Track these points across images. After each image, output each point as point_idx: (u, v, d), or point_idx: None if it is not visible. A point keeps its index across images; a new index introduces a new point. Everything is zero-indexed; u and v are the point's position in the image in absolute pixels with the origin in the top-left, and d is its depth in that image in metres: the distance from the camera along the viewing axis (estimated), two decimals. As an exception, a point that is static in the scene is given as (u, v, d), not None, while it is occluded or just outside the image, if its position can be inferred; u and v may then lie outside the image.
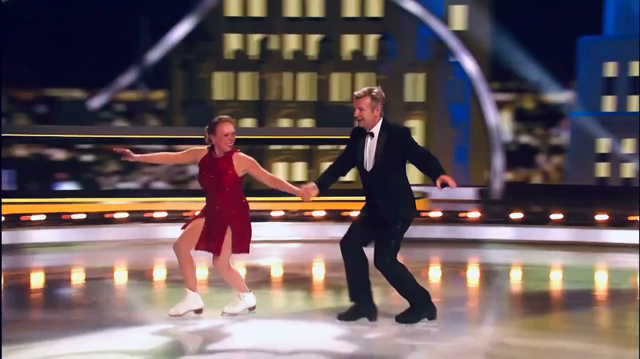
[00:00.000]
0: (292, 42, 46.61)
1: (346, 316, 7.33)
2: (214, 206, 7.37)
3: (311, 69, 45.88)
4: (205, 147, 7.43)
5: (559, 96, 49.77)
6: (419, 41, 46.06)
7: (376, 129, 7.18)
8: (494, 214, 15.94)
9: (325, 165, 37.83)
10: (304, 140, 30.16)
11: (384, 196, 7.14)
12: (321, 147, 41.06)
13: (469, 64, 28.92)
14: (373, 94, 7.18)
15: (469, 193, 26.93)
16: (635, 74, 52.85)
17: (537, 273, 11.58)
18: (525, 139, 53.38)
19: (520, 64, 44.43)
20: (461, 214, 15.56)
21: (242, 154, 7.44)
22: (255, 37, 46.01)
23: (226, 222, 7.36)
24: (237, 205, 7.39)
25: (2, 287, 9.67)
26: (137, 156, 7.48)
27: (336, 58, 46.32)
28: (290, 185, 7.45)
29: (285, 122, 45.41)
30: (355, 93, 7.26)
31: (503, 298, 9.54)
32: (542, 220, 15.22)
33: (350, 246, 7.22)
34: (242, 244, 7.42)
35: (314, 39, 46.47)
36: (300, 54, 46.34)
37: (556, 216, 15.22)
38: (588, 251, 13.79)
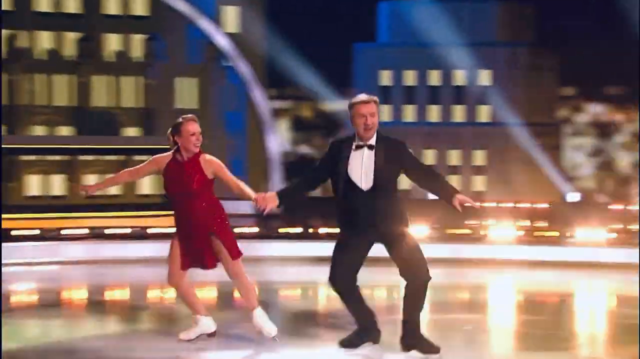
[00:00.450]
0: (45, 40, 43.41)
1: (349, 343, 7.03)
2: (188, 216, 7.14)
3: (69, 71, 43.00)
4: (167, 153, 7.20)
5: (337, 104, 49.66)
6: (190, 43, 44.29)
7: (373, 141, 6.76)
8: (272, 229, 15.96)
9: (89, 177, 35.88)
10: (62, 150, 27.81)
11: (385, 216, 6.73)
12: (82, 157, 38.34)
13: (244, 69, 28.75)
14: (377, 100, 6.80)
15: (246, 207, 25.94)
16: (410, 83, 53.84)
17: (309, 291, 11.67)
18: (304, 149, 53.35)
19: (297, 70, 43.96)
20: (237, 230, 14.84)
21: (208, 155, 7.20)
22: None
23: (206, 231, 7.15)
24: (212, 211, 7.16)
25: (1, 288, 9.99)
26: (96, 185, 7.36)
27: (97, 59, 43.68)
28: (250, 191, 7.10)
29: (39, 130, 42.23)
30: (364, 97, 6.75)
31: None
32: (319, 235, 15.24)
33: (342, 279, 6.87)
34: (236, 249, 7.21)
35: (70, 37, 43.57)
36: (56, 53, 43.29)
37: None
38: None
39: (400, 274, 6.78)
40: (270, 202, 6.84)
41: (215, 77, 44.56)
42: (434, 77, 53.67)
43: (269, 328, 7.20)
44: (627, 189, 46.55)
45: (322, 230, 15.19)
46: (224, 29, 36.25)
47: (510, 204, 19.61)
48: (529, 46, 53.98)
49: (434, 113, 53.23)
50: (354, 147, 6.73)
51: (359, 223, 6.72)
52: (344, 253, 6.83)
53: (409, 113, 53.49)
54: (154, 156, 7.22)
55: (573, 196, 40.80)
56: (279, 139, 28.85)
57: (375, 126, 6.72)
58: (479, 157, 52.39)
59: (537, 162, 48.38)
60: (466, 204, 6.63)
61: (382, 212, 6.68)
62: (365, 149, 6.72)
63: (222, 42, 28.70)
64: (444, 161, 51.73)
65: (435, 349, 6.81)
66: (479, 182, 51.48)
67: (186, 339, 7.24)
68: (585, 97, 53.83)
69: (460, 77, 53.42)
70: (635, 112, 50.59)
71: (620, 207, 20.23)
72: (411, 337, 6.84)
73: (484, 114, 53.32)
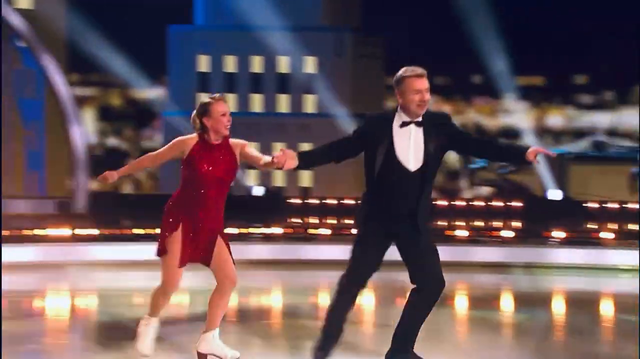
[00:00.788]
0: None
1: (325, 352, 6.50)
2: (203, 204, 6.78)
3: None
4: (191, 135, 6.89)
5: (149, 92, 46.65)
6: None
7: (420, 118, 6.35)
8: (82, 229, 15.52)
9: None
10: None
11: (424, 203, 6.36)
12: None
13: (42, 52, 26.28)
14: None
15: (47, 206, 25.27)
16: (231, 69, 51.56)
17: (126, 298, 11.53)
18: (113, 141, 50.79)
19: (105, 53, 40.97)
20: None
21: (232, 139, 6.93)
22: None
23: (216, 225, 6.84)
24: (224, 201, 6.90)
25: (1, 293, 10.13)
26: (118, 172, 6.95)
27: None
28: (268, 157, 6.77)
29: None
30: (419, 71, 6.35)
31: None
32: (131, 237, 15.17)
33: (362, 281, 6.42)
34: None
35: None
36: None
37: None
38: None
39: (413, 278, 6.36)
40: (290, 159, 6.46)
41: (8, 60, 40.81)
42: (257, 64, 51.44)
43: (231, 353, 6.95)
44: (456, 184, 46.09)
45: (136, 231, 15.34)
46: (14, 4, 33.42)
47: (335, 201, 18.63)
48: (355, 33, 52.54)
49: (256, 102, 51.07)
50: (399, 124, 6.33)
51: (392, 210, 6.28)
52: (368, 252, 6.35)
53: (230, 102, 51.16)
54: (176, 139, 6.94)
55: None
56: (83, 130, 27.16)
57: (428, 103, 6.37)
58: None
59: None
60: (544, 154, 6.25)
61: (424, 200, 6.31)
62: (413, 126, 6.34)
63: (15, 19, 25.99)
64: (269, 153, 49.75)
65: None
66: (305, 178, 49.78)
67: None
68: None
69: (284, 64, 51.40)
70: (461, 104, 50.19)
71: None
72: (403, 352, 6.41)
73: (310, 104, 51.61)
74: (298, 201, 18.90)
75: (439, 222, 17.47)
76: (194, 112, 6.95)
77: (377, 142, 6.34)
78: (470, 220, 17.04)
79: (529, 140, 35.96)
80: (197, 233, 6.81)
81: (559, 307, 12.22)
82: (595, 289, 13.52)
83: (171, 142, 7.01)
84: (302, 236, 17.54)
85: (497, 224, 17.39)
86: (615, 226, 16.75)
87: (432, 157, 6.32)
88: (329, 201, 18.62)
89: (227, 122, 6.89)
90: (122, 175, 7.03)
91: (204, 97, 7.02)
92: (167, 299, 6.92)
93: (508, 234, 17.04)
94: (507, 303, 12.33)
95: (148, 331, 6.98)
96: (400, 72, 6.43)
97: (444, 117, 6.49)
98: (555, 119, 47.36)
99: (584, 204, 16.51)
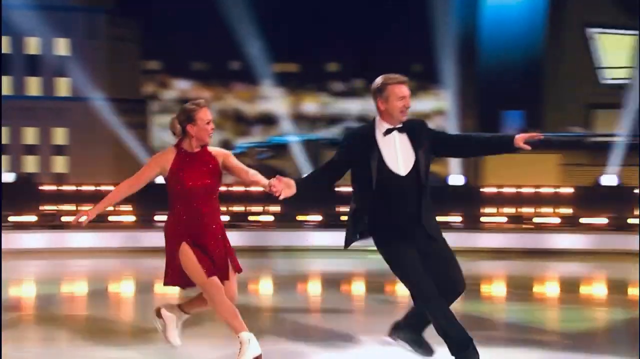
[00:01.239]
0: None
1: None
2: (199, 216, 6.54)
3: None
4: (168, 149, 6.62)
5: None
6: None
7: (400, 124, 6.40)
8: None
9: None
10: None
11: (427, 206, 6.32)
12: None
13: None
14: None
15: None
16: (34, 51, 49.36)
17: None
18: None
19: None
20: None
21: (211, 147, 6.66)
22: None
23: (219, 232, 6.61)
24: (219, 214, 6.72)
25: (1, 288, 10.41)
26: (95, 210, 6.52)
27: None
28: (262, 177, 6.51)
29: None
30: (401, 77, 6.37)
31: None
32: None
33: (433, 290, 6.22)
34: (237, 261, 6.73)
35: None
36: None
37: None
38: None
39: (438, 284, 6.23)
40: (288, 188, 6.27)
41: None
42: (4, 44, 49.48)
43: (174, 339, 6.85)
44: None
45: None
46: None
47: (92, 188, 18.24)
48: (108, 14, 51.64)
49: (5, 85, 49.14)
50: (382, 132, 6.32)
51: (393, 219, 6.23)
52: (412, 260, 6.21)
53: (33, 86, 49.03)
54: (153, 157, 6.58)
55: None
56: None
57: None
58: (59, 136, 49.29)
59: (123, 141, 46.49)
60: (531, 139, 6.25)
61: (425, 204, 6.29)
62: (396, 132, 6.36)
63: None
64: (19, 139, 48.11)
65: (429, 352, 6.60)
66: (59, 164, 48.44)
67: None
68: (171, 72, 52.74)
69: (34, 45, 49.75)
70: (220, 89, 50.47)
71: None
72: (413, 331, 6.52)
73: (62, 87, 50.22)
74: (52, 187, 18.29)
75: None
76: (175, 117, 6.60)
77: (364, 155, 6.29)
78: (230, 205, 17.43)
79: (286, 126, 36.91)
80: (204, 249, 6.54)
81: (314, 288, 12.92)
82: (347, 270, 14.31)
83: (149, 161, 6.61)
84: (58, 225, 17.28)
85: (256, 209, 17.87)
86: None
87: (421, 159, 6.31)
88: (85, 188, 18.10)
89: (211, 130, 6.59)
90: (98, 212, 6.60)
91: (189, 104, 6.62)
92: (233, 307, 6.55)
93: (267, 218, 17.67)
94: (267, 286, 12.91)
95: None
96: (381, 79, 6.39)
97: (422, 123, 6.50)
98: (310, 105, 48.73)
99: (336, 189, 17.35)
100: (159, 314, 6.90)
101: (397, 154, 6.31)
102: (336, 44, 38.08)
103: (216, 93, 52.20)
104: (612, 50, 29.21)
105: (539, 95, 29.86)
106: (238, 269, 6.69)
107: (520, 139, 6.24)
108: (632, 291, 12.34)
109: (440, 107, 33.92)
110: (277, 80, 36.30)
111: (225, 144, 37.62)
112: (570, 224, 17.47)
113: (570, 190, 17.93)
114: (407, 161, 6.30)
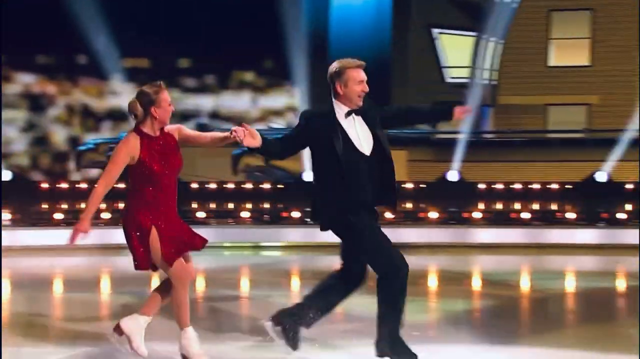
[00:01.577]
0: None
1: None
2: (170, 197, 6.59)
3: None
4: (130, 134, 6.50)
5: None
6: None
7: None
8: None
9: None
10: None
11: (392, 185, 6.61)
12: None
13: None
14: None
15: None
16: None
17: None
18: None
19: None
20: None
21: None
22: None
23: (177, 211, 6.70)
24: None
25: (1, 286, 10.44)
26: (86, 222, 6.42)
27: None
28: (220, 132, 6.70)
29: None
30: (358, 61, 6.61)
31: None
32: None
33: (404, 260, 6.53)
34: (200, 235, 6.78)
35: None
36: None
37: None
38: None
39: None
40: (251, 137, 6.33)
41: None
42: None
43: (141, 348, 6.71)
44: (63, 166, 45.56)
45: None
46: None
47: None
48: (-53, 5, 49.92)
49: None
50: (344, 114, 6.56)
51: (367, 196, 6.45)
52: (381, 234, 6.46)
53: None
54: (121, 146, 6.44)
55: (6, 174, 38.53)
56: None
57: None
58: None
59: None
60: (467, 111, 6.62)
61: (391, 179, 6.54)
62: (354, 115, 6.59)
63: None
64: None
65: (296, 346, 6.72)
66: None
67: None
68: (14, 66, 51.54)
69: None
70: (66, 84, 49.74)
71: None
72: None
73: None
74: None
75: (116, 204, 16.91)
76: (135, 100, 6.55)
77: (326, 135, 6.48)
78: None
79: (132, 122, 36.75)
80: (171, 229, 6.54)
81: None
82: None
83: (118, 153, 6.51)
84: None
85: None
86: (214, 205, 17.50)
87: (381, 137, 6.56)
88: None
89: (172, 110, 6.64)
90: (89, 220, 6.49)
91: (148, 86, 6.60)
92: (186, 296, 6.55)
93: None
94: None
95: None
96: (338, 63, 6.58)
97: (369, 102, 6.68)
98: (160, 101, 48.57)
99: (189, 184, 17.42)
100: (118, 331, 6.78)
101: (358, 135, 6.56)
102: (187, 39, 38.15)
103: (62, 88, 51.24)
104: (454, 50, 30.40)
105: (387, 94, 30.79)
106: (204, 241, 6.72)
107: (458, 111, 6.61)
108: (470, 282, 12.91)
109: (291, 103, 34.48)
110: (127, 75, 36.10)
111: (74, 141, 37.03)
112: (411, 219, 17.78)
113: (411, 185, 18.30)
114: (368, 142, 6.56)
